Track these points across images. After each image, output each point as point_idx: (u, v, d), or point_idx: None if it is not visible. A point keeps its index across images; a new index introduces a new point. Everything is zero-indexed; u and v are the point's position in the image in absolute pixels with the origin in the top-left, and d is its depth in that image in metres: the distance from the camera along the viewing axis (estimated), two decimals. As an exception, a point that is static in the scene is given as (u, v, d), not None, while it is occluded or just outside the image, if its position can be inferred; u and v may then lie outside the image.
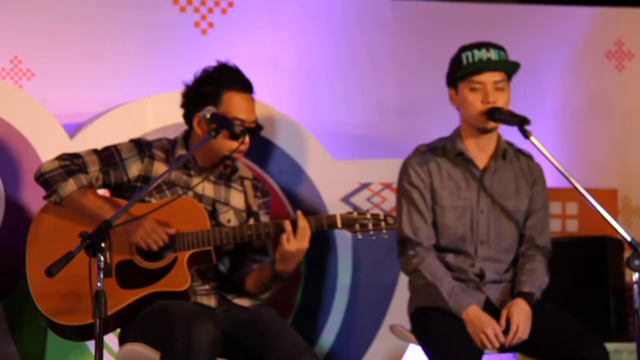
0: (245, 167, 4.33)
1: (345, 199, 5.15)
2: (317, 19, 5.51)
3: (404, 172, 4.30)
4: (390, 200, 5.11)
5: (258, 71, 5.07)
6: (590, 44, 5.90)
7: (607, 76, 5.94)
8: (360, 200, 5.17)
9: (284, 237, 3.93)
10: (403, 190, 4.28)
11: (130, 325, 3.96)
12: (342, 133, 5.46)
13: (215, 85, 4.07)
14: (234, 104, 4.06)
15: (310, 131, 5.23)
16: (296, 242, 3.94)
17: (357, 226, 3.99)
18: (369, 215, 4.01)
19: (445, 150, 4.30)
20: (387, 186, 5.21)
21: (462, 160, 4.27)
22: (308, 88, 5.48)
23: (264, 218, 4.24)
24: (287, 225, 3.96)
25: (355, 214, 4.01)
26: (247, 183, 4.21)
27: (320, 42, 5.51)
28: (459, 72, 4.21)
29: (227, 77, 4.09)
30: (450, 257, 4.24)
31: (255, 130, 4.10)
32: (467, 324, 4.08)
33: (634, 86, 5.95)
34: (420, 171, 4.25)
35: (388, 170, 5.03)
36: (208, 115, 3.98)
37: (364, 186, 5.21)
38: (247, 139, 4.06)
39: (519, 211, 4.30)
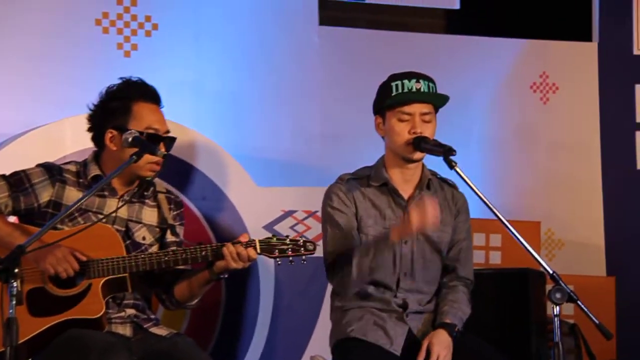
0: (158, 181, 4.28)
1: (269, 227, 5.10)
2: (243, 43, 5.50)
3: (327, 198, 4.26)
4: (314, 228, 5.10)
5: (182, 95, 5.22)
6: (516, 76, 5.98)
7: (532, 108, 6.03)
8: (283, 228, 5.13)
9: (230, 258, 3.94)
10: (327, 215, 4.24)
11: (43, 354, 3.85)
12: (266, 159, 5.45)
13: (123, 99, 4.05)
14: (145, 115, 4.04)
15: (233, 157, 5.17)
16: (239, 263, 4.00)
17: (276, 252, 3.98)
18: (288, 241, 4.00)
19: (370, 179, 4.26)
20: (311, 214, 5.19)
21: (387, 190, 4.24)
22: (232, 113, 5.45)
23: (180, 229, 4.21)
24: (227, 248, 3.94)
25: (274, 239, 4.00)
26: (161, 197, 4.19)
27: (245, 66, 5.49)
28: (388, 101, 4.19)
29: (134, 89, 4.07)
30: (371, 288, 4.18)
31: (172, 143, 4.08)
32: (398, 231, 4.02)
33: (558, 119, 6.01)
34: (345, 198, 4.21)
35: (312, 198, 5.00)
36: (130, 139, 3.96)
37: (288, 214, 5.18)
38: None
39: (442, 242, 4.26)
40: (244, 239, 3.98)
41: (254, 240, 3.98)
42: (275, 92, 5.53)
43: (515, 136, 5.98)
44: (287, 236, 4.03)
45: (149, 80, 4.15)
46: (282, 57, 5.57)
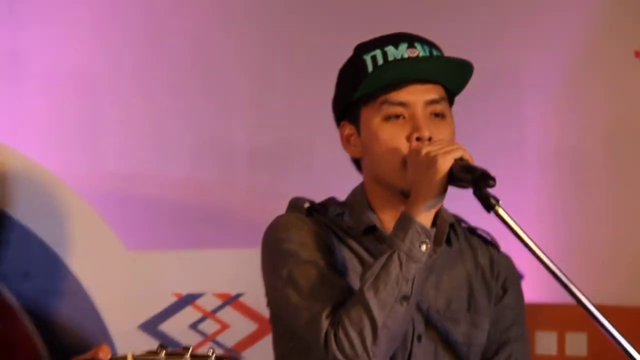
0: None
1: (150, 326, 5.05)
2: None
3: (275, 231, 3.94)
4: (236, 328, 5.03)
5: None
6: (610, 37, 5.87)
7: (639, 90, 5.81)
8: (178, 327, 5.11)
9: None
10: (282, 253, 3.88)
11: None
12: (143, 200, 5.37)
13: None
14: None
15: (83, 197, 5.09)
16: None
17: None
18: (188, 358, 3.61)
19: (343, 221, 3.94)
20: (229, 300, 5.15)
21: (374, 241, 3.90)
22: (84, 116, 5.38)
23: None
24: None
25: (162, 355, 3.56)
26: None
27: (101, 35, 5.44)
28: (362, 89, 3.84)
29: None
30: None
31: None
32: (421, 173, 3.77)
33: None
34: (311, 234, 3.93)
35: (232, 269, 5.05)
36: None
37: (187, 301, 5.15)
38: None
39: (473, 345, 3.95)
40: (104, 355, 3.61)
41: (125, 357, 3.62)
42: (161, 80, 5.46)
43: (608, 146, 5.87)
44: (187, 348, 3.59)
45: None
46: (179, 20, 5.51)
